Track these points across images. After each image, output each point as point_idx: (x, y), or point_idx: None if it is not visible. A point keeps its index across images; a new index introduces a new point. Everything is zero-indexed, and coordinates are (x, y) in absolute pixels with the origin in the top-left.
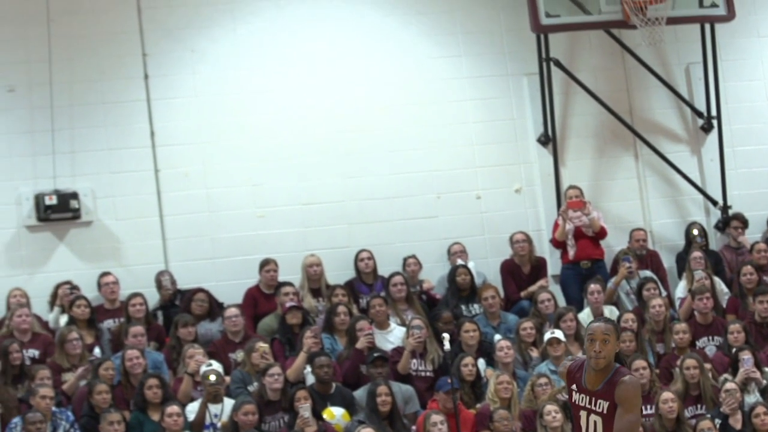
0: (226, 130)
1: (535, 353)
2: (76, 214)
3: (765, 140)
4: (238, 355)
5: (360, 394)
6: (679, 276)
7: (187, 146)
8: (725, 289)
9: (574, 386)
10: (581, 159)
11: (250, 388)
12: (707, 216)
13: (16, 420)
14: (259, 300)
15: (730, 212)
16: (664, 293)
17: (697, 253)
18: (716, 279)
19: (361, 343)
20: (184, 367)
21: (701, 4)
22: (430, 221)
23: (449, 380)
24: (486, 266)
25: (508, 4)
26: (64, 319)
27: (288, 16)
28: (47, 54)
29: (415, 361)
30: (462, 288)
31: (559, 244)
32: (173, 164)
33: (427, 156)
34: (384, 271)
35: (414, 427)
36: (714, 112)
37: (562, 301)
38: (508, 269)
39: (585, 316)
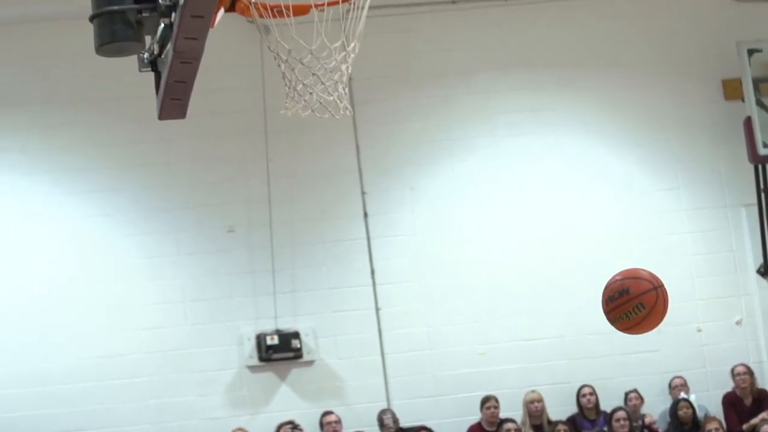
0: (445, 267)
1: None
2: (297, 354)
3: None
4: None
5: None
6: None
7: (407, 284)
8: None
9: None
10: None
11: None
12: None
13: None
14: None
15: None
16: None
17: None
18: None
19: None
20: None
21: None
22: (650, 355)
23: None
24: (708, 399)
25: (725, 136)
26: None
27: (504, 151)
28: (267, 194)
29: None
30: (684, 422)
31: None
32: (394, 302)
33: None
34: (606, 405)
35: None
36: None
37: None
38: (730, 402)
39: None
